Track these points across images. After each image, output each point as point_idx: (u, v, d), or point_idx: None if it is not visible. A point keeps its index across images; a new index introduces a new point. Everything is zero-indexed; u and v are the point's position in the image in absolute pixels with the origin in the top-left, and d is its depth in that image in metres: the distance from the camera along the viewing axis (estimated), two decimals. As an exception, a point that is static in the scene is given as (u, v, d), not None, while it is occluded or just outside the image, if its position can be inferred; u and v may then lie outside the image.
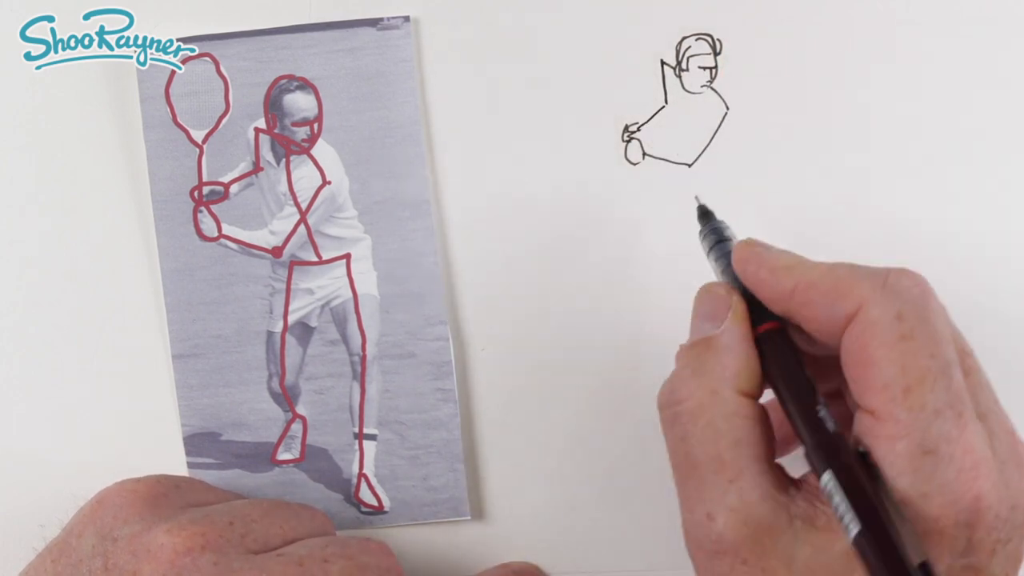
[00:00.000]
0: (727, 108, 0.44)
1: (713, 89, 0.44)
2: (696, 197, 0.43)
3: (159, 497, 0.40)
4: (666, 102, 0.45)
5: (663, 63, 0.44)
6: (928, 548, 0.32)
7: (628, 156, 0.45)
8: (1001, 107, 0.44)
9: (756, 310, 0.38)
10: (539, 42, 0.45)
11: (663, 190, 0.45)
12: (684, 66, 0.44)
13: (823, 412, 0.35)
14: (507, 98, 0.45)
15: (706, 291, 0.39)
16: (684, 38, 0.44)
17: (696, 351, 0.37)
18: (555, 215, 0.45)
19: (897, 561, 0.31)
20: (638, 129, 0.45)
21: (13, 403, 0.45)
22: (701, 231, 0.43)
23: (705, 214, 0.43)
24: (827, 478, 0.33)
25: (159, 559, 0.37)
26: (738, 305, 0.37)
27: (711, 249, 0.41)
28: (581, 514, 0.45)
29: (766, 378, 0.37)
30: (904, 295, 0.34)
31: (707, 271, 0.42)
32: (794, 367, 0.36)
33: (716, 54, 0.44)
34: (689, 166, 0.45)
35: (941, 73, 0.44)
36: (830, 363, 0.37)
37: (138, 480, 0.41)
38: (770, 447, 0.36)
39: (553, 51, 0.45)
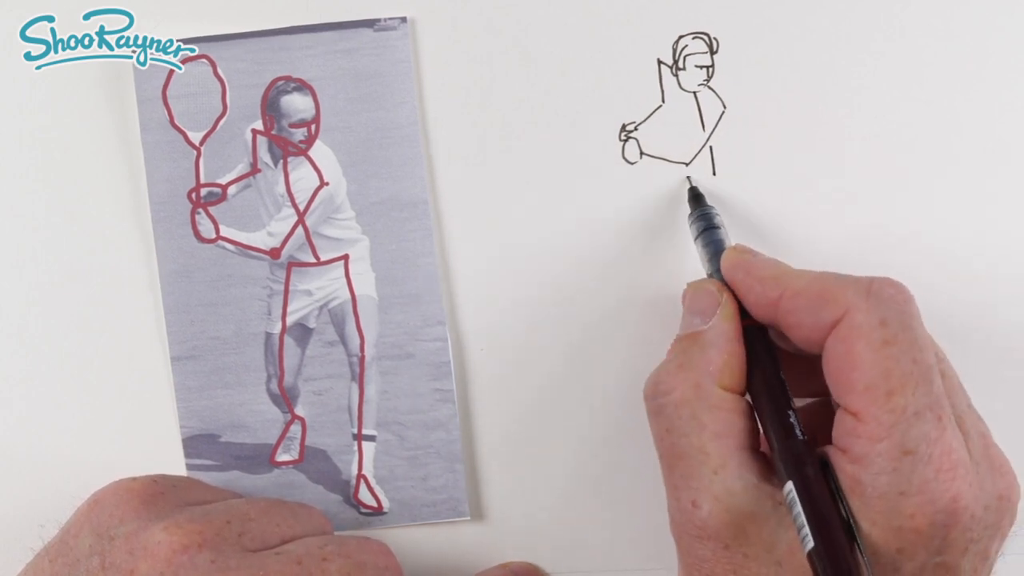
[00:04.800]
0: (724, 107, 0.45)
1: (710, 88, 0.45)
2: (688, 178, 0.44)
3: (156, 496, 0.40)
4: (663, 101, 0.45)
5: (660, 62, 0.45)
6: (904, 546, 0.33)
7: (625, 155, 0.45)
8: (999, 108, 0.44)
9: (740, 308, 0.38)
10: (536, 42, 0.45)
11: (660, 189, 0.45)
12: (681, 65, 0.45)
13: (793, 417, 0.36)
14: (504, 98, 0.45)
15: (697, 287, 0.40)
16: (681, 37, 0.45)
17: (683, 345, 0.38)
18: (552, 214, 0.45)
19: None
20: (635, 128, 0.45)
21: (12, 404, 0.45)
22: (690, 215, 0.43)
23: (696, 197, 0.43)
24: (789, 487, 0.34)
25: (156, 557, 0.37)
26: (728, 303, 0.38)
27: (699, 235, 0.42)
28: (581, 514, 0.45)
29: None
30: (888, 302, 0.35)
31: (703, 270, 0.42)
32: (770, 368, 0.37)
33: (713, 53, 0.44)
34: (687, 165, 0.45)
35: (939, 73, 0.44)
36: (809, 365, 0.38)
37: (134, 479, 0.41)
38: (755, 437, 0.37)
39: (550, 51, 0.45)
